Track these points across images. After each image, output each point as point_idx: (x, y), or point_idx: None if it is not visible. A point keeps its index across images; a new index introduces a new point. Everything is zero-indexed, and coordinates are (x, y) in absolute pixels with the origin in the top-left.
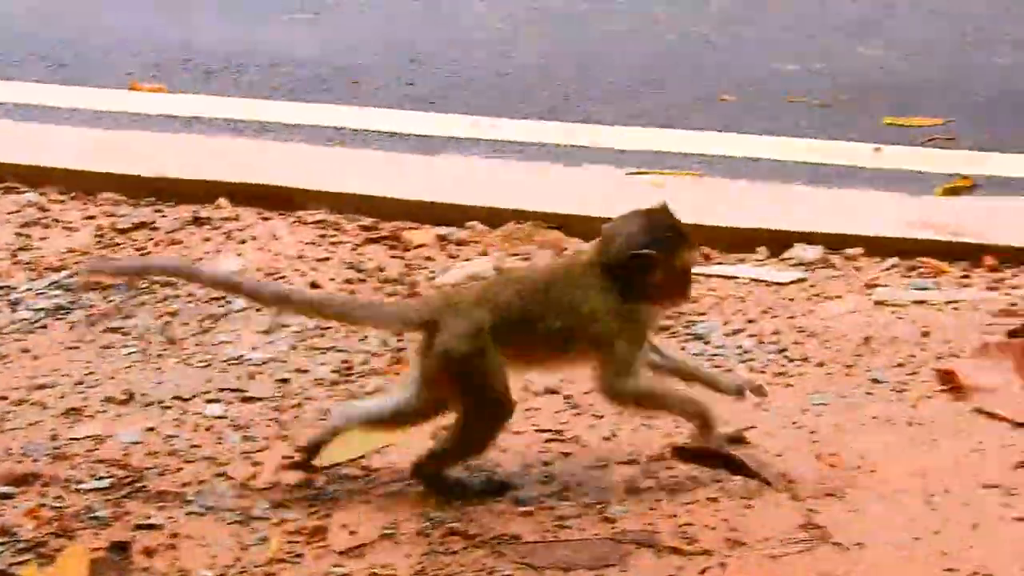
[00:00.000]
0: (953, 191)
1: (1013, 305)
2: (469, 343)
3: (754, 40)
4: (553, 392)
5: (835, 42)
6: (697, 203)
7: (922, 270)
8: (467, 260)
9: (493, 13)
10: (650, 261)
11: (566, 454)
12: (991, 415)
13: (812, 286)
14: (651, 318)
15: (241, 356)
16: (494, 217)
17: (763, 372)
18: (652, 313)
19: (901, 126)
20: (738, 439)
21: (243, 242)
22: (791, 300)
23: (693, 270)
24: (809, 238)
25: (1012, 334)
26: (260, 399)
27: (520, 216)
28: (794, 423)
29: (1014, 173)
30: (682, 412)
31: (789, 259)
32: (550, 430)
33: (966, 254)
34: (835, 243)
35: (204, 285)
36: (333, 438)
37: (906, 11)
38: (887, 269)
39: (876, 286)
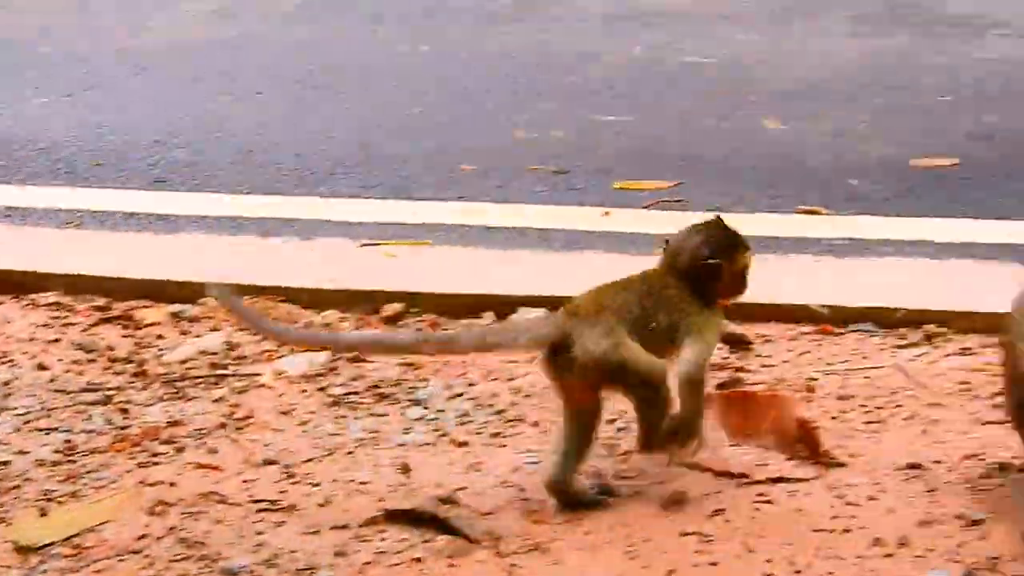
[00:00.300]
0: None
1: (725, 359)
2: (607, 341)
3: (495, 110)
4: (272, 463)
5: (572, 110)
6: (427, 272)
7: None
8: (198, 336)
9: (238, 93)
10: (718, 268)
11: (280, 523)
12: (694, 466)
13: None
14: (721, 316)
15: None
16: None
17: (479, 434)
18: (720, 311)
19: (631, 190)
20: (448, 500)
21: None
22: (513, 363)
23: (749, 269)
24: (534, 302)
25: (720, 387)
26: None
27: (253, 291)
28: (505, 482)
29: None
30: (695, 417)
31: None
32: (266, 500)
33: None
34: (560, 306)
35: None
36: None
37: (648, 88)
38: None
39: None
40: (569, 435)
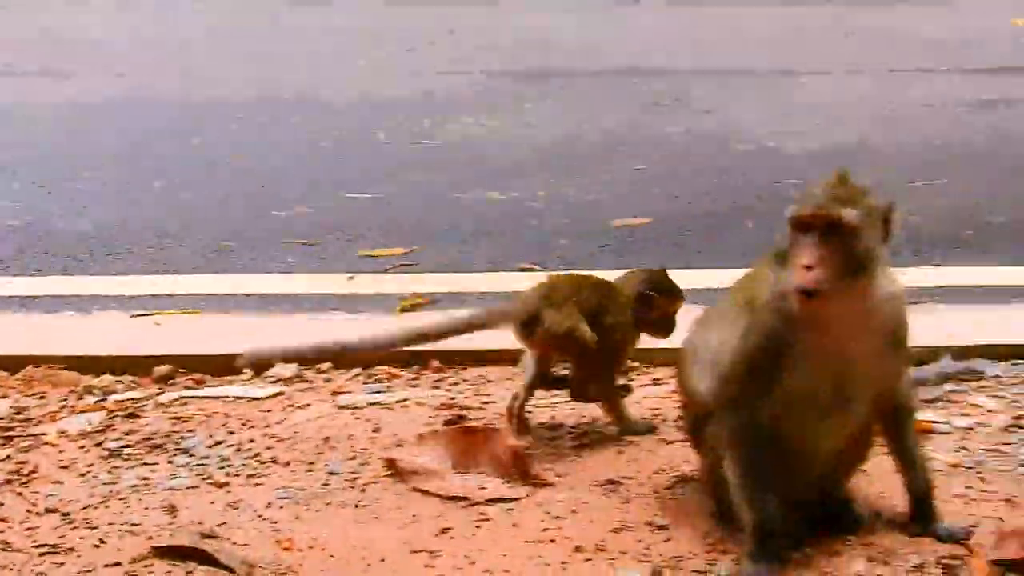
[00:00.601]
0: (412, 308)
1: (452, 399)
2: (568, 323)
3: (253, 193)
4: (53, 512)
5: (322, 189)
6: (193, 336)
7: (379, 376)
8: None
9: (20, 187)
10: (652, 301)
11: (60, 564)
12: (425, 492)
13: (287, 398)
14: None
15: None
16: (13, 363)
17: (238, 476)
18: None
19: (373, 256)
20: (209, 535)
21: None
22: (268, 412)
23: (677, 315)
24: (289, 358)
25: (448, 423)
26: None
27: (37, 361)
28: (260, 516)
29: (467, 289)
30: (619, 412)
31: (270, 377)
32: (47, 544)
33: (417, 359)
34: (310, 360)
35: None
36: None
37: (389, 168)
38: (351, 378)
39: (341, 393)
40: (530, 371)
